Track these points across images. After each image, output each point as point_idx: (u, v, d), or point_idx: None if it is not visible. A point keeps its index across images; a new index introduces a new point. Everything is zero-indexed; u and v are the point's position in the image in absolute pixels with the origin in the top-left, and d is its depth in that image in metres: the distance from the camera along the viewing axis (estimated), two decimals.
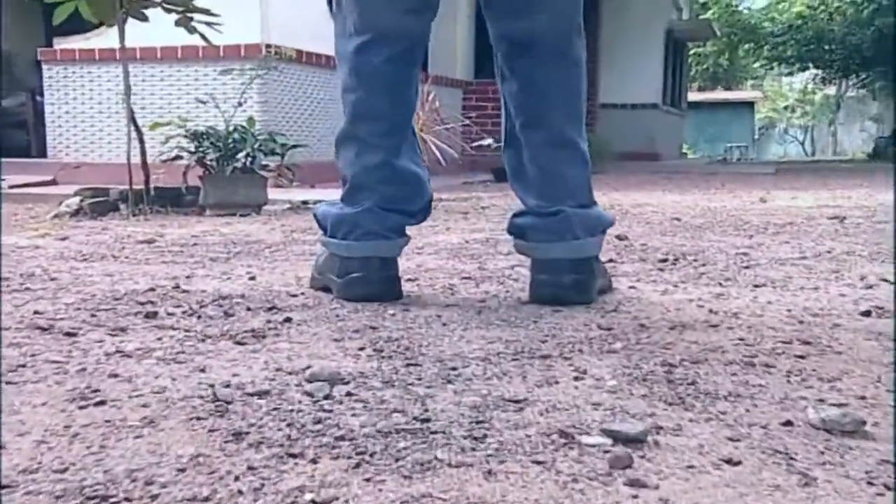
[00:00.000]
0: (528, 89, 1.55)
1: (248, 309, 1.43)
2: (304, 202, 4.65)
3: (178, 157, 4.04)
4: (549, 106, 1.54)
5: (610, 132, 11.46)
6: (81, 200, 4.08)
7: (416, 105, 1.60)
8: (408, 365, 1.07)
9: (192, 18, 4.09)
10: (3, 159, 6.04)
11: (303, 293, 1.62)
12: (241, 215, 3.84)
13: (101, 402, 0.90)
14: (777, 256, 2.19)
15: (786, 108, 28.31)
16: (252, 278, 1.81)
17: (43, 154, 6.34)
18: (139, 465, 0.72)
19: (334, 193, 5.04)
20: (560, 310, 1.46)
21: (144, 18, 4.10)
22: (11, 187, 5.45)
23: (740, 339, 1.22)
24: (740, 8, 17.05)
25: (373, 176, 1.54)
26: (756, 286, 1.72)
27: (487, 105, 8.80)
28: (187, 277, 1.82)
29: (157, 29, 4.21)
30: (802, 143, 26.21)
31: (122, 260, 2.15)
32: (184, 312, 1.38)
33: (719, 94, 25.14)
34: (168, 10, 4.06)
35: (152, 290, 1.60)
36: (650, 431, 0.81)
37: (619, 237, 2.60)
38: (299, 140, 5.98)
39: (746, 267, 2.01)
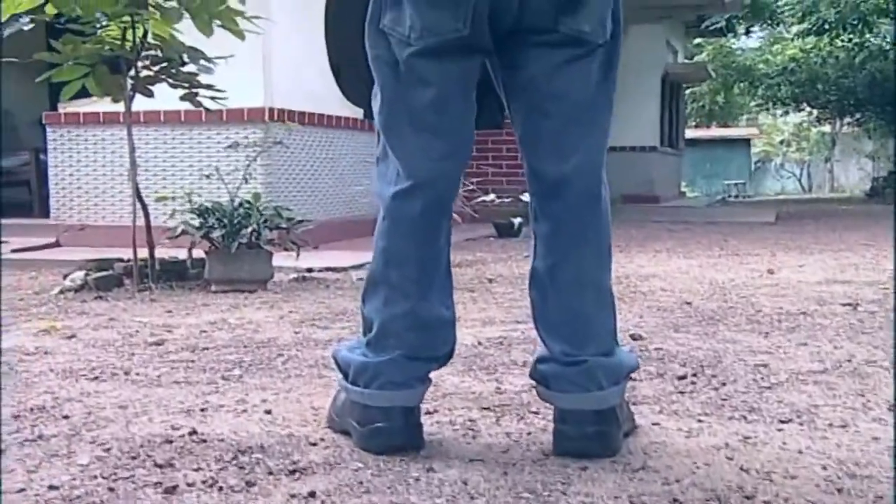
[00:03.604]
0: (560, 231, 1.53)
1: (270, 473, 1.40)
2: (310, 270, 4.63)
3: (184, 233, 4.02)
4: (581, 249, 1.53)
5: (610, 176, 11.47)
6: (86, 275, 4.06)
7: (449, 249, 1.59)
8: None
9: (197, 94, 4.11)
10: (6, 220, 6.03)
11: (322, 439, 1.58)
12: (247, 292, 3.82)
13: None
14: (797, 368, 2.16)
15: (781, 142, 28.43)
16: (268, 412, 1.77)
17: (45, 214, 6.33)
18: None
19: (338, 257, 5.03)
20: (587, 466, 1.43)
21: (150, 94, 4.12)
22: (14, 251, 5.43)
23: None
24: (734, 48, 17.18)
25: (400, 323, 1.52)
26: (782, 422, 1.69)
27: (487, 155, 8.82)
28: (202, 411, 1.78)
29: (161, 92, 4.20)
30: (799, 179, 26.31)
31: (134, 377, 2.11)
32: (203, 482, 1.35)
33: (715, 132, 25.26)
34: (174, 86, 4.08)
35: (169, 441, 1.56)
36: None
37: (633, 337, 2.58)
38: (303, 200, 5.98)
39: (768, 387, 1.98)
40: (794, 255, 5.21)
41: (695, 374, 2.10)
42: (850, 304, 3.14)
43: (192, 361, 2.31)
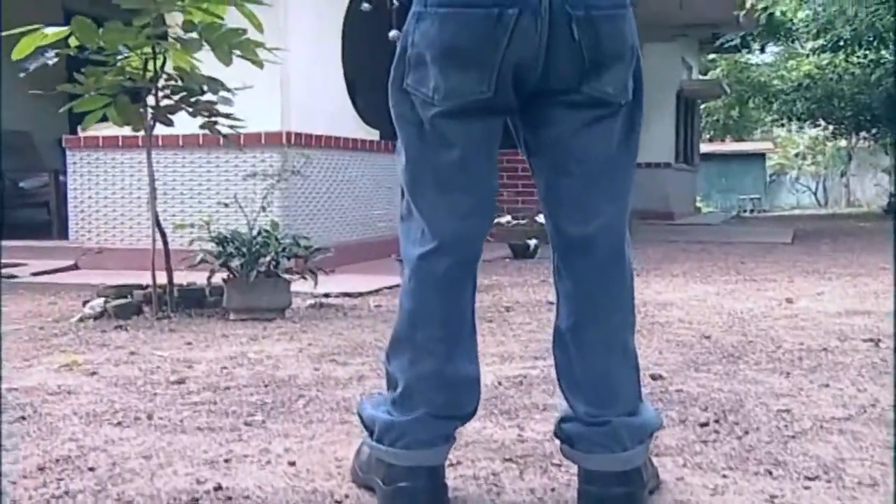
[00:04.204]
0: (585, 290, 1.53)
1: None
2: (326, 295, 4.64)
3: (203, 262, 4.03)
4: (605, 308, 1.53)
5: None
6: (105, 302, 4.09)
7: (474, 305, 1.59)
8: None
9: (216, 123, 4.14)
10: (25, 242, 6.08)
11: (347, 496, 1.59)
12: (266, 320, 3.84)
13: None
14: (821, 414, 2.15)
15: (797, 154, 28.30)
16: (292, 463, 1.78)
17: (64, 235, 6.37)
18: None
19: (355, 282, 5.03)
20: None
21: (170, 124, 4.15)
22: (34, 274, 5.48)
23: None
24: (750, 64, 17.15)
25: (427, 383, 1.53)
26: (809, 479, 1.68)
27: (502, 175, 8.81)
28: (226, 462, 1.79)
29: (180, 117, 4.22)
30: (815, 193, 26.18)
31: (157, 422, 2.12)
32: None
33: (730, 146, 25.19)
34: (194, 115, 4.12)
35: (195, 499, 1.56)
36: None
37: (653, 377, 2.57)
38: (320, 222, 6.01)
39: (792, 436, 1.96)
40: (813, 280, 5.19)
41: (717, 421, 2.09)
42: (871, 340, 3.11)
43: (214, 403, 2.31)
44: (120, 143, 5.89)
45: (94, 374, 2.71)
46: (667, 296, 4.55)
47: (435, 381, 1.52)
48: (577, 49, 1.42)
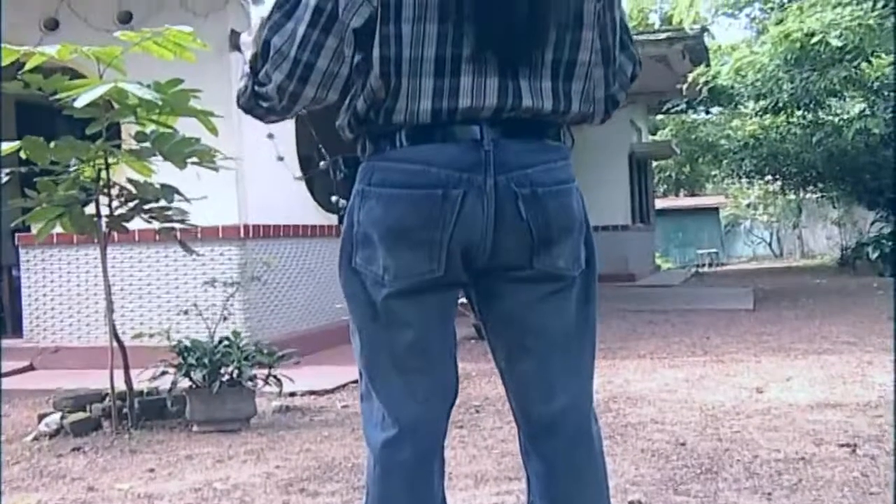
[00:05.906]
0: (556, 474, 1.48)
1: None
2: (292, 394, 4.52)
3: (164, 374, 3.92)
4: (577, 490, 1.47)
5: None
6: (62, 417, 3.96)
7: (444, 486, 1.52)
8: None
9: (172, 228, 4.07)
10: None
11: None
12: (230, 431, 3.75)
13: None
14: None
15: (748, 206, 28.85)
16: None
17: (18, 331, 6.18)
18: None
19: (321, 376, 4.91)
20: None
21: (125, 231, 4.08)
22: None
23: None
24: (697, 122, 17.47)
25: None
26: None
27: None
28: None
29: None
30: (770, 244, 26.61)
31: None
32: None
33: (684, 201, 25.59)
34: (149, 221, 4.04)
35: None
36: None
37: None
38: (281, 313, 5.92)
39: None
40: (779, 360, 5.19)
41: None
42: (847, 446, 3.09)
43: None
44: (74, 241, 5.75)
45: None
46: (636, 385, 4.52)
47: None
48: (525, 227, 1.39)
